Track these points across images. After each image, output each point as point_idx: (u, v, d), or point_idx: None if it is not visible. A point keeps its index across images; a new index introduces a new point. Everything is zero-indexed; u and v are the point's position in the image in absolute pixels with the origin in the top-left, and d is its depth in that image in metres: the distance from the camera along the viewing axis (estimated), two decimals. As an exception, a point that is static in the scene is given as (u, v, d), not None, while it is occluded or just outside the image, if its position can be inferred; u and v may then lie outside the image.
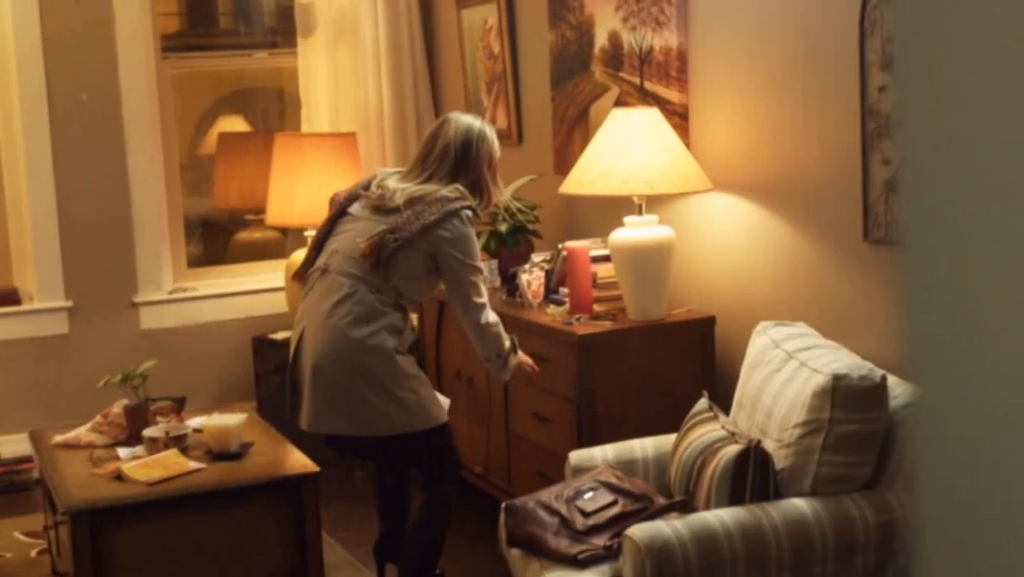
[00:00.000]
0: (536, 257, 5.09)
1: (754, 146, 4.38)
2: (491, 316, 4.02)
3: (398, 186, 4.00)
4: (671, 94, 4.71)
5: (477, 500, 5.39)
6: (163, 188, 6.38)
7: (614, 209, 4.94)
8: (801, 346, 3.70)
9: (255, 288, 6.55)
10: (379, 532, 4.42)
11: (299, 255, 6.14)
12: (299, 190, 6.01)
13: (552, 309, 4.71)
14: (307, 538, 4.17)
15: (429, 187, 3.97)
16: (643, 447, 3.97)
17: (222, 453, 4.38)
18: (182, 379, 6.32)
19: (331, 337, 3.86)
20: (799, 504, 3.37)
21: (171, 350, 6.36)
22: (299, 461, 4.34)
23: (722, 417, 3.77)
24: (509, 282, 5.19)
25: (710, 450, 3.57)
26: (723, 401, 3.97)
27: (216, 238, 7.24)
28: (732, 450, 3.45)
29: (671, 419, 4.39)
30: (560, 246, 4.94)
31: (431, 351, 5.48)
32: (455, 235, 3.91)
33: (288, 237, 6.93)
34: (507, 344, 4.07)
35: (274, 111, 7.50)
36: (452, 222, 3.90)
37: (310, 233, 6.03)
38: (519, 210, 5.32)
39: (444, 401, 4.09)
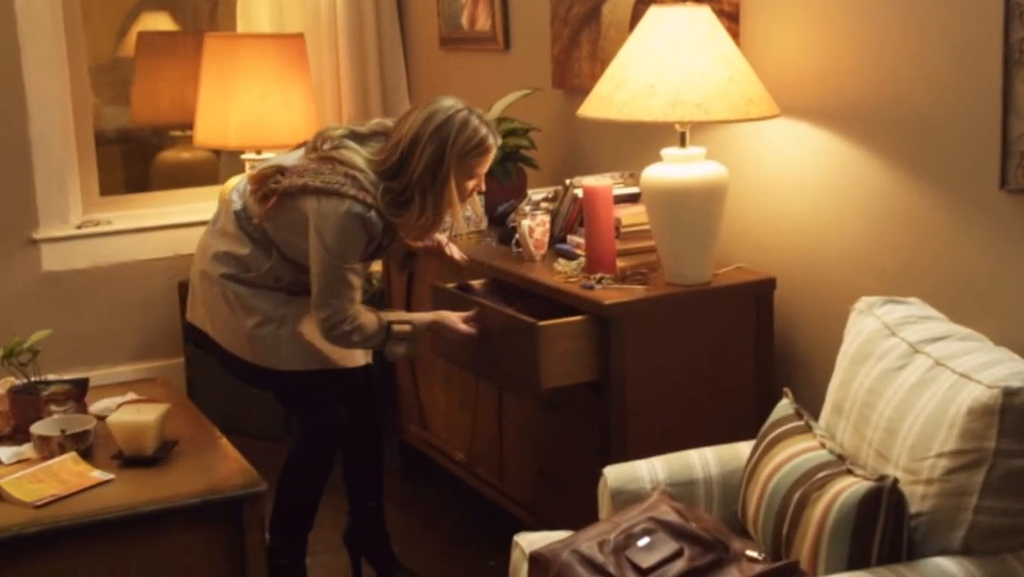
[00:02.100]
0: (535, 194, 4.04)
1: (833, 58, 3.34)
2: (341, 324, 3.43)
3: (340, 128, 3.57)
4: (716, -11, 3.66)
5: (459, 494, 4.40)
6: (68, 99, 5.26)
7: (641, 137, 3.91)
8: (930, 335, 2.71)
9: (182, 220, 5.46)
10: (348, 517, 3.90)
11: (236, 182, 5.07)
12: (235, 104, 4.92)
13: (562, 265, 3.68)
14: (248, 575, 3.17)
15: (356, 155, 3.44)
16: (704, 462, 2.97)
17: (136, 457, 3.34)
18: (94, 332, 5.30)
19: (201, 243, 3.70)
20: (948, 569, 2.40)
21: (80, 296, 5.32)
22: (238, 469, 3.31)
23: (817, 428, 2.78)
24: (499, 225, 4.15)
25: (813, 481, 2.57)
26: (782, 390, 2.98)
27: (136, 160, 6.10)
28: (854, 489, 2.46)
29: (720, 414, 3.45)
30: (568, 182, 3.90)
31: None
32: (325, 217, 3.36)
33: (222, 158, 5.82)
34: (377, 339, 3.51)
35: (204, 9, 6.34)
36: (331, 203, 3.36)
37: (249, 157, 4.97)
38: (509, 132, 4.27)
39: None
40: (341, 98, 5.39)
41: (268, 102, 4.91)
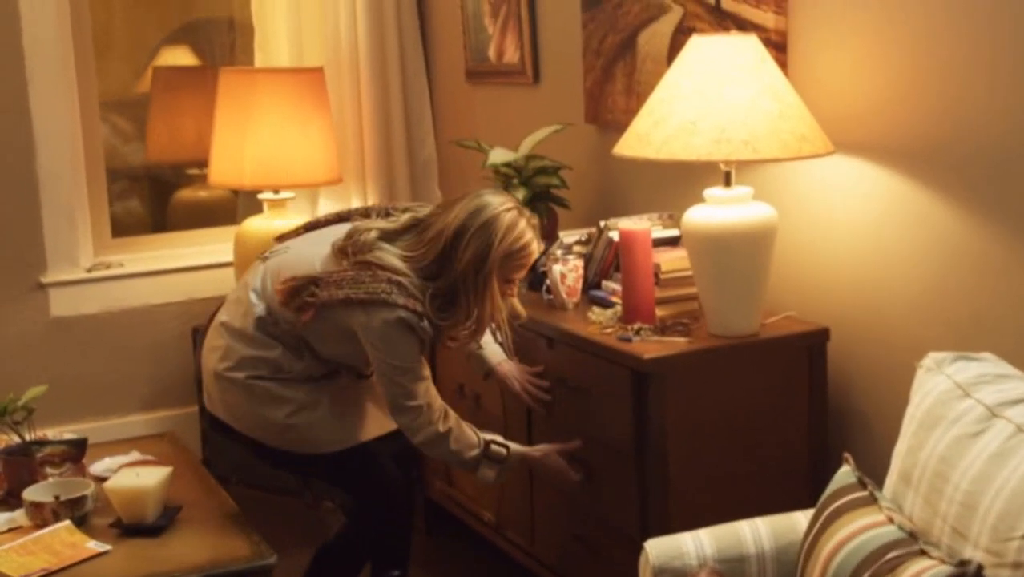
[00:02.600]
0: (566, 237, 3.78)
1: (892, 88, 3.07)
2: (432, 425, 3.21)
3: (372, 229, 3.25)
4: (762, 16, 3.39)
5: (486, 555, 4.13)
6: (79, 136, 5.02)
7: (681, 176, 3.64)
8: (1009, 397, 2.42)
9: (197, 263, 5.21)
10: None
11: (255, 223, 4.84)
12: (250, 141, 4.67)
13: (597, 314, 3.41)
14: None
15: (393, 256, 3.18)
16: (756, 536, 2.68)
17: (136, 526, 3.08)
18: (103, 380, 5.06)
19: (210, 343, 3.40)
20: (1041, 668, 2.11)
21: (90, 343, 5.05)
22: (246, 538, 3.05)
23: (883, 500, 2.49)
24: (529, 270, 3.88)
25: (882, 563, 2.29)
26: (839, 449, 2.70)
27: (152, 199, 5.86)
28: (932, 574, 2.17)
29: (770, 479, 3.17)
30: (603, 224, 3.63)
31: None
32: (378, 331, 3.13)
33: (240, 197, 5.58)
34: (472, 453, 3.26)
35: (225, 43, 6.10)
36: (380, 314, 3.11)
37: (267, 196, 4.73)
38: (539, 170, 4.02)
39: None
40: (363, 133, 5.15)
41: (285, 139, 4.67)
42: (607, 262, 3.61)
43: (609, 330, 3.28)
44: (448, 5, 5.08)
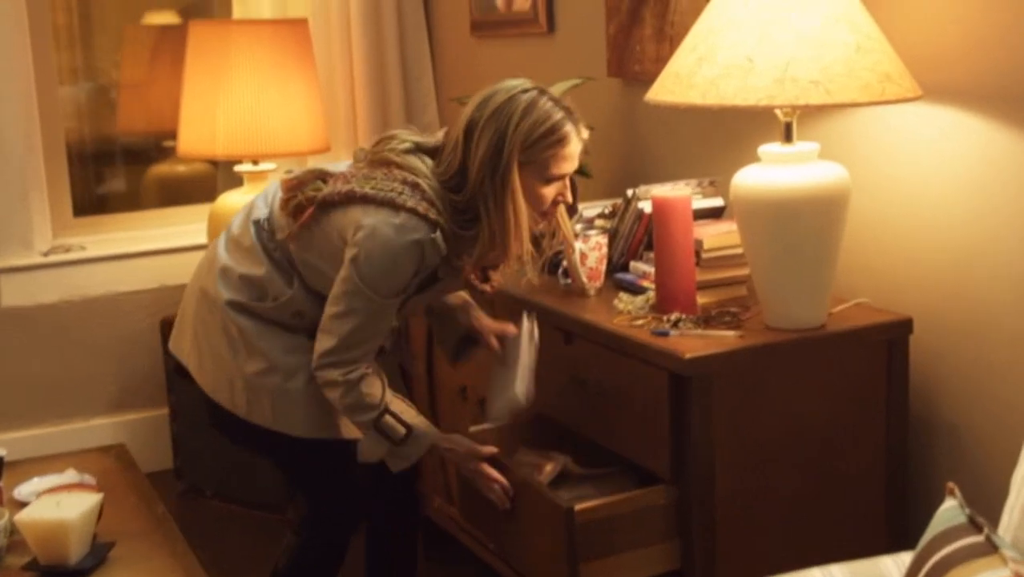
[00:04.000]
0: (587, 209, 3.16)
1: (994, 23, 2.44)
2: (335, 367, 2.58)
3: (409, 137, 2.66)
4: (825, -64, 2.76)
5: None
6: (34, 106, 4.45)
7: (725, 132, 3.02)
8: None
9: (169, 245, 4.63)
10: None
11: (231, 199, 4.23)
12: (223, 103, 4.07)
13: (624, 301, 2.79)
14: None
15: (420, 163, 2.58)
16: (833, 590, 2.08)
17: (55, 568, 2.49)
18: (62, 378, 4.54)
19: (207, 253, 2.86)
20: None
21: (47, 336, 4.50)
22: (188, 584, 2.45)
23: (1004, 546, 1.87)
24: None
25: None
26: (926, 471, 2.09)
27: (125, 175, 5.26)
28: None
29: (841, 509, 2.57)
30: (631, 193, 3.01)
31: (422, 359, 3.55)
32: (368, 232, 2.51)
33: (220, 171, 4.97)
34: (362, 415, 2.62)
35: None
36: (380, 215, 2.51)
37: (245, 168, 4.14)
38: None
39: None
40: (355, 95, 4.54)
41: (263, 101, 4.06)
42: (636, 239, 3.00)
43: (640, 322, 2.67)
44: (450, -53, 4.46)
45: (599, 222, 3.09)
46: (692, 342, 2.52)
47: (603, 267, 2.95)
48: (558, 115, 2.52)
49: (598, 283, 2.95)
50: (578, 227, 3.03)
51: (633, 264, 2.97)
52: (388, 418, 2.60)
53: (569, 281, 2.98)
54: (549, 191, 2.56)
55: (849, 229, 2.60)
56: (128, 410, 4.58)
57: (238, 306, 2.70)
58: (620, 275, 2.97)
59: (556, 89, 3.40)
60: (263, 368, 2.69)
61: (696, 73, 2.42)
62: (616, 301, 2.81)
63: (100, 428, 4.49)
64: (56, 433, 4.43)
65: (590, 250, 2.92)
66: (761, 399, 2.52)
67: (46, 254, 4.49)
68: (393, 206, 2.49)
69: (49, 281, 4.48)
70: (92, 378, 4.54)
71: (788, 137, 2.52)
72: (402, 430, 2.62)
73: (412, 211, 2.49)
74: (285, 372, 2.69)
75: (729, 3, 2.45)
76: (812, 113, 2.67)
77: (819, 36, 2.35)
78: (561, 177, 2.57)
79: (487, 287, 2.75)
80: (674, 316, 2.64)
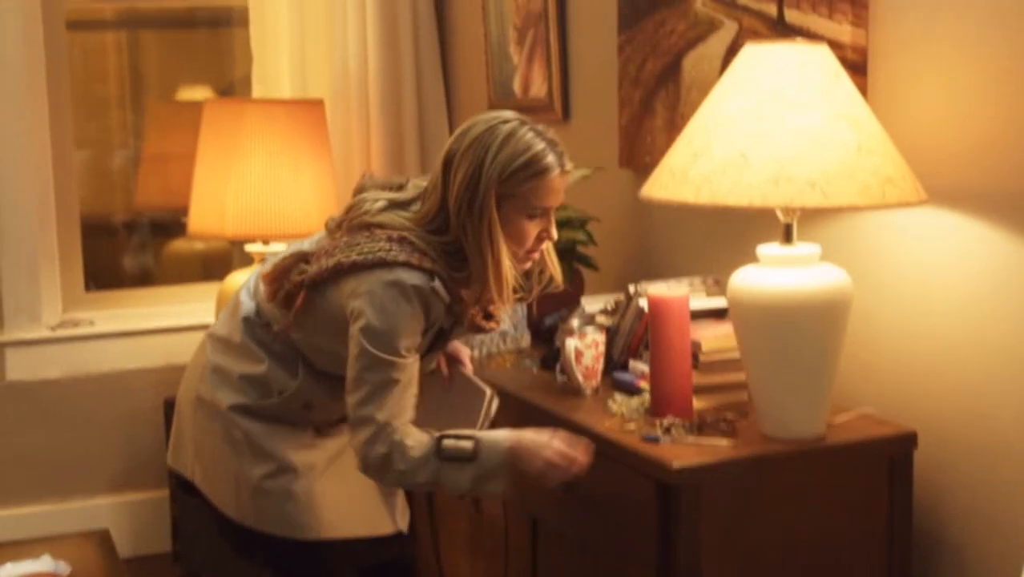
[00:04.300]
0: (590, 304, 3.05)
1: (1002, 124, 2.33)
2: (382, 440, 2.38)
3: (381, 196, 2.57)
4: (836, 29, 2.67)
5: None
6: (49, 177, 4.41)
7: (734, 228, 2.92)
8: None
9: (178, 324, 4.56)
10: None
11: (240, 278, 4.15)
12: (234, 182, 4.00)
13: (619, 402, 2.68)
14: None
15: (400, 218, 2.49)
16: None
17: (6, 667, 2.39)
18: (64, 455, 4.47)
19: (194, 359, 2.76)
20: None
21: (50, 412, 4.42)
22: None
23: None
24: (546, 342, 3.17)
25: None
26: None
27: (143, 251, 5.21)
28: None
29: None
30: (633, 289, 2.91)
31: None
32: (362, 295, 2.39)
33: (236, 249, 4.91)
34: (429, 451, 2.41)
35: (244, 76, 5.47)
36: (374, 276, 2.40)
37: (255, 249, 4.07)
38: (563, 222, 3.30)
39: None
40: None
41: (274, 181, 3.99)
42: (637, 337, 2.89)
43: (632, 426, 2.55)
44: (471, 32, 4.40)
45: (600, 318, 2.98)
46: (683, 450, 2.40)
47: (600, 365, 2.83)
48: (539, 145, 2.41)
49: (595, 382, 2.83)
50: (575, 322, 2.92)
51: (632, 363, 2.85)
52: (447, 442, 2.40)
53: (565, 378, 2.87)
54: (533, 227, 2.44)
55: (852, 335, 2.48)
56: (128, 490, 4.48)
57: (242, 409, 2.59)
58: (618, 374, 2.85)
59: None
60: (270, 470, 2.59)
61: (690, 169, 2.32)
62: (610, 402, 2.69)
63: (100, 508, 4.41)
64: (54, 512, 4.35)
65: (586, 348, 2.81)
66: (754, 513, 2.38)
67: (54, 328, 4.43)
68: (384, 265, 2.38)
69: (55, 356, 4.42)
70: (94, 456, 4.46)
71: (788, 238, 2.41)
72: (467, 444, 2.40)
73: (405, 264, 2.38)
74: (293, 473, 2.60)
75: (726, 97, 2.35)
76: (814, 214, 2.56)
77: (819, 135, 2.25)
78: (545, 211, 2.45)
79: (493, 325, 2.61)
80: (667, 421, 2.51)
